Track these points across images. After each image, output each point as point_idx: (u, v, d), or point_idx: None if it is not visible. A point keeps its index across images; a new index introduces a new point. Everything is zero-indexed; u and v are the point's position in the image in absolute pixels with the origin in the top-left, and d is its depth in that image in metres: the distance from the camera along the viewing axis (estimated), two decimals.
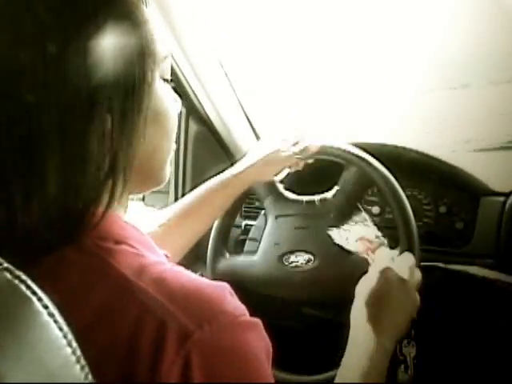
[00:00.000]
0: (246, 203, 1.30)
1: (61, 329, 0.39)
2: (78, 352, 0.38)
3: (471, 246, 1.04)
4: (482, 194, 1.05)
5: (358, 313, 0.77)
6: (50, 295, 0.44)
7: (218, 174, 1.32)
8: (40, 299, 0.38)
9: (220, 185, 0.97)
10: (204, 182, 1.28)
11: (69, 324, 0.41)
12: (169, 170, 0.60)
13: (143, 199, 1.35)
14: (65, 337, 0.39)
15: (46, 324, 0.37)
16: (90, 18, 0.47)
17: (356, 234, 0.99)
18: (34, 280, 0.45)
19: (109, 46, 0.48)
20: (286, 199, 1.07)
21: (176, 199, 1.36)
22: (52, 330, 0.37)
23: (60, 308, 0.44)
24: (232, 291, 0.48)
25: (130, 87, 0.49)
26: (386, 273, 0.78)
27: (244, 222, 1.25)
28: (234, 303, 0.47)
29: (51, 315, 0.38)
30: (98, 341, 0.44)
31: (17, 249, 0.46)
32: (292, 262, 1.00)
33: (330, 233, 1.04)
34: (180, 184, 1.35)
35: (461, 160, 1.15)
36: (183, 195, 1.35)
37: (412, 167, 1.15)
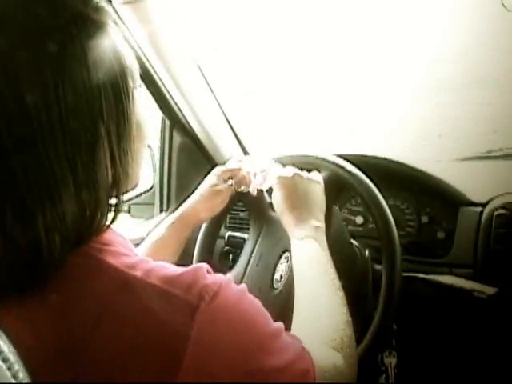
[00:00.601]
0: (231, 214, 1.31)
1: (5, 360, 0.39)
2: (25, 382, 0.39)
3: (451, 256, 1.04)
4: (460, 204, 1.05)
5: (285, 227, 0.86)
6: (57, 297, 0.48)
7: None
8: None
9: (169, 229, 1.00)
10: (189, 192, 1.29)
11: (76, 321, 0.46)
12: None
13: (129, 211, 1.36)
14: (9, 369, 0.39)
15: None
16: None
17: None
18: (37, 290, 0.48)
19: (95, 69, 0.50)
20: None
21: (161, 210, 1.37)
22: None
23: (66, 308, 0.48)
24: (210, 268, 0.54)
25: (120, 108, 0.53)
26: (279, 181, 0.89)
27: (228, 234, 1.26)
28: (216, 275, 0.54)
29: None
30: (108, 331, 0.47)
31: (22, 267, 0.48)
32: (280, 279, 0.99)
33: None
34: (165, 195, 1.36)
35: (442, 170, 1.15)
36: (168, 206, 1.36)
37: (395, 178, 1.15)
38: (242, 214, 1.31)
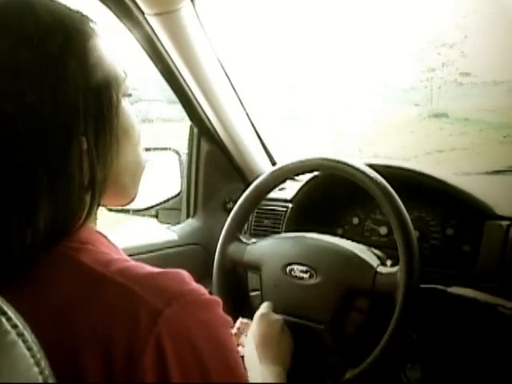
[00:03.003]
0: (255, 222, 1.32)
1: (29, 348, 0.40)
2: (47, 372, 0.40)
3: (476, 270, 1.02)
4: (487, 218, 1.03)
5: (252, 351, 0.91)
6: (24, 300, 0.46)
7: (229, 192, 1.36)
8: (9, 319, 0.39)
9: None
10: (215, 199, 1.30)
11: (43, 321, 0.45)
12: (138, 188, 0.64)
13: (157, 216, 1.39)
14: (33, 356, 0.40)
15: (13, 343, 0.38)
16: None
17: None
18: (9, 286, 0.48)
19: (77, 74, 0.52)
20: None
21: (188, 216, 1.40)
22: (20, 349, 0.39)
23: (35, 307, 0.48)
24: (191, 277, 0.52)
25: (100, 110, 0.54)
26: (262, 317, 0.96)
27: (251, 241, 1.27)
28: (195, 284, 0.51)
29: (20, 335, 0.39)
30: (75, 329, 0.47)
31: None
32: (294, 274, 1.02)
33: None
34: (192, 202, 1.39)
35: (470, 182, 1.14)
36: (195, 213, 1.39)
37: (420, 189, 1.14)
38: (266, 222, 1.32)
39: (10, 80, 0.49)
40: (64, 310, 0.48)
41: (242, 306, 1.11)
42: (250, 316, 1.02)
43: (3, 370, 0.37)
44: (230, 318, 0.53)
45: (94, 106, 0.53)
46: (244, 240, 1.12)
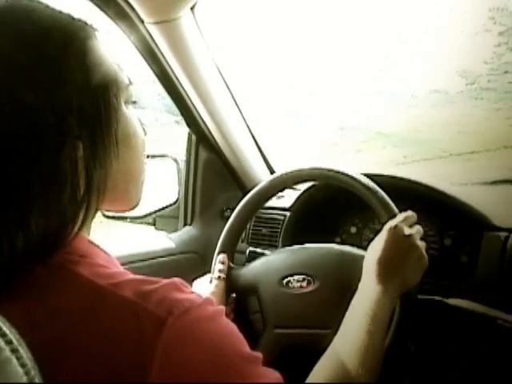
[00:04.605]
0: (253, 230, 1.32)
1: (23, 365, 0.40)
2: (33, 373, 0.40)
3: (474, 281, 1.02)
4: (485, 229, 1.03)
5: (370, 268, 0.81)
6: (23, 311, 0.48)
7: (227, 200, 1.36)
8: (3, 335, 0.39)
9: None
10: (212, 207, 1.30)
11: (41, 337, 0.45)
12: (141, 194, 0.64)
13: (154, 224, 1.39)
14: (27, 373, 0.39)
15: (7, 360, 0.38)
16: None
17: None
18: (4, 300, 0.48)
19: (76, 76, 0.52)
20: None
21: (185, 224, 1.39)
22: (14, 366, 0.38)
23: (34, 321, 0.48)
24: (185, 283, 0.54)
25: (97, 114, 0.53)
26: (392, 231, 0.83)
27: (249, 249, 1.26)
28: (194, 293, 0.53)
29: (14, 351, 0.39)
30: (79, 344, 0.47)
31: None
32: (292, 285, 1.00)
33: None
34: (189, 209, 1.38)
35: (467, 193, 1.13)
36: (192, 220, 1.38)
37: (418, 200, 1.14)
38: (264, 230, 1.31)
39: (8, 82, 0.49)
40: (66, 323, 0.48)
41: (243, 331, 1.09)
42: (253, 340, 1.00)
43: None
44: (223, 308, 0.54)
45: (90, 107, 0.53)
46: (235, 266, 1.09)
